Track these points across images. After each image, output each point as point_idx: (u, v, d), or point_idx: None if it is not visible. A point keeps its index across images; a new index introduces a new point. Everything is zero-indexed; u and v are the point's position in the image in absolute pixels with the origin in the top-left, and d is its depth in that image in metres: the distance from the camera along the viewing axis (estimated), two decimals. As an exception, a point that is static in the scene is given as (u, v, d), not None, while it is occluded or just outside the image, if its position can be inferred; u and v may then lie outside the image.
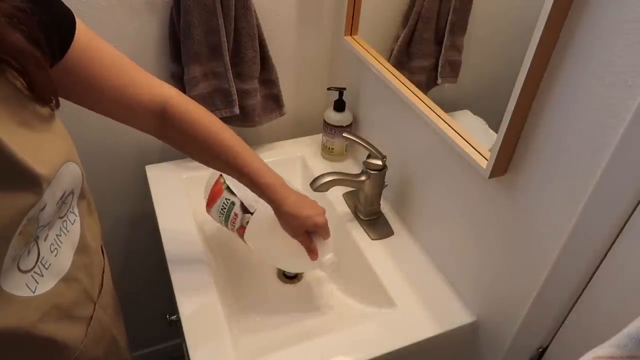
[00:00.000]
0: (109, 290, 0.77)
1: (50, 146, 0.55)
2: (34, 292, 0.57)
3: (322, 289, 1.02)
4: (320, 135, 1.20)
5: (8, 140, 0.48)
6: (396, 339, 0.81)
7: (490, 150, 0.71)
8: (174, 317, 0.87)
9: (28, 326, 0.57)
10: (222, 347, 0.78)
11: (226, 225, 0.96)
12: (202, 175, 1.11)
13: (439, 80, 0.91)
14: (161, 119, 0.71)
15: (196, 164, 1.13)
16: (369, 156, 0.97)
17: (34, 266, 0.57)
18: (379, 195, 1.02)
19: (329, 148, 1.17)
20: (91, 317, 0.69)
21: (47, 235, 0.58)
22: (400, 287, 0.90)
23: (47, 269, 0.59)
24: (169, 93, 0.71)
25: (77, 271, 0.64)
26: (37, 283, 0.57)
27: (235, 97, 1.06)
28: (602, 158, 0.56)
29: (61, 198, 0.58)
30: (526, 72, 0.59)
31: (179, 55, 1.01)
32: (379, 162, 0.96)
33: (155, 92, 0.69)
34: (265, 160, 1.14)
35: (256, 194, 0.78)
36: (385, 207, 1.07)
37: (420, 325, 0.84)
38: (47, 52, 0.55)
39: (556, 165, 0.63)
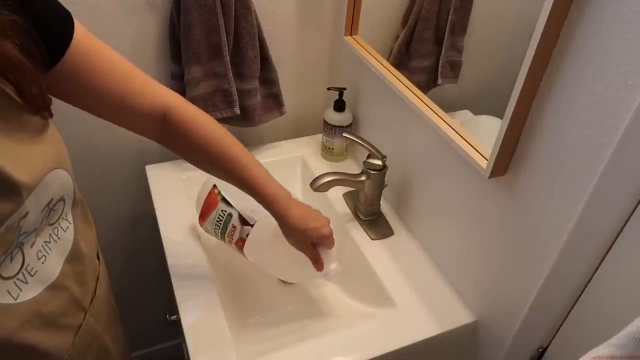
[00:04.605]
0: (102, 298, 0.76)
1: (37, 154, 0.55)
2: (15, 299, 0.56)
3: (322, 289, 1.02)
4: (320, 135, 1.20)
5: None
6: (396, 339, 0.81)
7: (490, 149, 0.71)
8: (174, 317, 0.87)
9: (6, 334, 0.56)
10: (222, 347, 0.78)
11: (222, 239, 0.93)
12: (202, 176, 1.10)
13: (439, 81, 0.91)
14: (162, 125, 0.69)
15: (196, 164, 1.14)
16: (369, 156, 0.97)
17: (18, 273, 0.56)
18: (379, 195, 1.02)
19: (329, 148, 1.17)
20: (80, 326, 0.68)
21: (33, 242, 0.57)
22: (400, 287, 0.90)
23: (32, 275, 0.58)
24: (170, 99, 0.69)
25: (65, 279, 0.63)
26: (21, 290, 0.56)
27: (236, 97, 1.06)
28: (602, 158, 0.56)
29: (48, 205, 0.58)
30: (526, 72, 0.60)
31: (179, 56, 1.02)
32: (379, 162, 0.96)
33: (155, 98, 0.67)
34: (265, 160, 1.15)
35: (261, 204, 0.76)
36: (385, 207, 1.07)
37: (420, 325, 0.84)
38: (40, 59, 0.54)
39: (556, 165, 0.63)
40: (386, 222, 1.04)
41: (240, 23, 1.01)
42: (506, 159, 0.70)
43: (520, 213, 0.71)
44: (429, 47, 0.92)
